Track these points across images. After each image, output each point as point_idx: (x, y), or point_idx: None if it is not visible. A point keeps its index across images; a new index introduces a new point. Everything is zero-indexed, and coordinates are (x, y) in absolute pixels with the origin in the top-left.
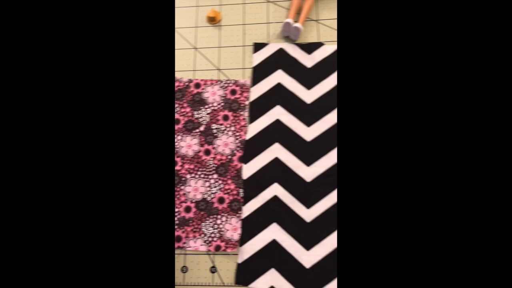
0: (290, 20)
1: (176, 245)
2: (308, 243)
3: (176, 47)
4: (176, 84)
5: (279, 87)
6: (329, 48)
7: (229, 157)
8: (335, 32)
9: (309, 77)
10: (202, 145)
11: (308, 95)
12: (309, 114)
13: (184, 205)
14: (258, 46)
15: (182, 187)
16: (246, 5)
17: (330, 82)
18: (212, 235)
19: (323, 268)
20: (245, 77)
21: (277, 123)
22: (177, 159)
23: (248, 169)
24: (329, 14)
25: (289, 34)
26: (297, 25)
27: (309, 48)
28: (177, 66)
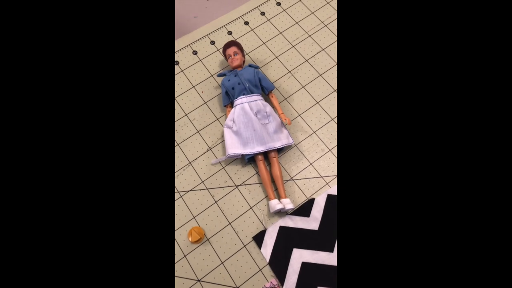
0: (274, 201)
1: None
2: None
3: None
4: None
5: (306, 266)
6: (321, 198)
7: None
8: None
9: (322, 237)
10: None
11: (333, 257)
12: None
13: None
14: (258, 239)
15: None
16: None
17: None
18: None
19: None
20: (269, 279)
21: None
22: None
23: None
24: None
25: (279, 211)
26: (286, 203)
27: (305, 210)
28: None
